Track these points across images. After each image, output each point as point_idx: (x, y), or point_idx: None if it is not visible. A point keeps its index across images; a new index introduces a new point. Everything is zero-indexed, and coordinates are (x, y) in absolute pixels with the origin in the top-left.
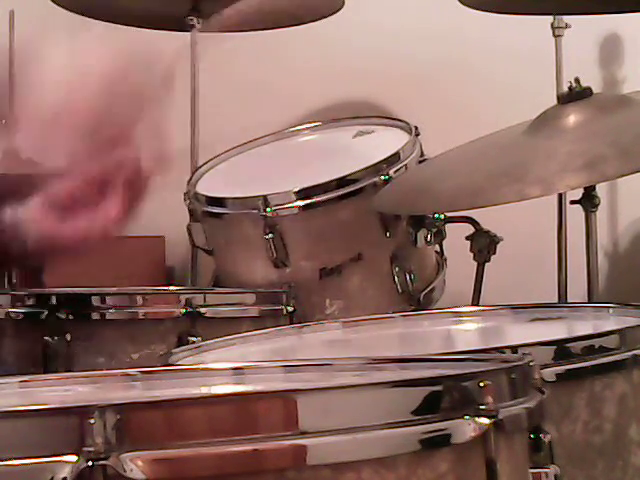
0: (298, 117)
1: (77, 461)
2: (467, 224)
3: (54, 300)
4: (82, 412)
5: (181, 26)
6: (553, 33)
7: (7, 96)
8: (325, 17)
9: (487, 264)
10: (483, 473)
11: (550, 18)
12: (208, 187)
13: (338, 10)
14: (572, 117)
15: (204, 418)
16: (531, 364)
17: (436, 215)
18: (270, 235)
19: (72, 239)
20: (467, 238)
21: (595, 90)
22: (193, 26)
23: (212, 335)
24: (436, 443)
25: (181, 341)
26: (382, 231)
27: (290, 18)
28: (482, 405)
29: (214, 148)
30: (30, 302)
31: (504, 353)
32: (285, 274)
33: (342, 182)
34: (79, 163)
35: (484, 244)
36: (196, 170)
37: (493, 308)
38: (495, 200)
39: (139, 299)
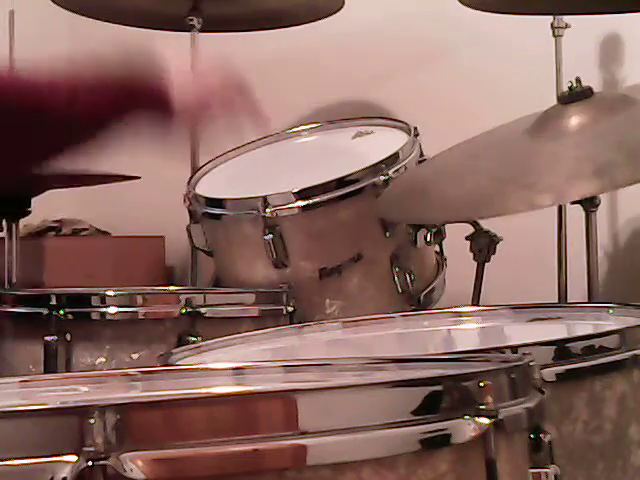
0: (297, 118)
1: (77, 461)
2: (467, 224)
3: (54, 300)
4: (82, 412)
5: (181, 26)
6: (553, 33)
7: None
8: (325, 17)
9: (487, 264)
10: (483, 473)
11: (550, 18)
12: (208, 188)
13: (338, 10)
14: (574, 118)
15: (204, 418)
16: (531, 364)
17: None
18: (270, 236)
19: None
20: (467, 238)
21: (595, 90)
22: (193, 26)
23: (212, 335)
24: (436, 443)
25: (181, 341)
26: (382, 231)
27: (290, 18)
28: (482, 405)
29: (214, 149)
30: (30, 302)
31: (504, 353)
32: (285, 274)
33: (342, 182)
34: None
35: (484, 244)
36: (196, 171)
37: (493, 308)
38: (505, 211)
39: (139, 299)
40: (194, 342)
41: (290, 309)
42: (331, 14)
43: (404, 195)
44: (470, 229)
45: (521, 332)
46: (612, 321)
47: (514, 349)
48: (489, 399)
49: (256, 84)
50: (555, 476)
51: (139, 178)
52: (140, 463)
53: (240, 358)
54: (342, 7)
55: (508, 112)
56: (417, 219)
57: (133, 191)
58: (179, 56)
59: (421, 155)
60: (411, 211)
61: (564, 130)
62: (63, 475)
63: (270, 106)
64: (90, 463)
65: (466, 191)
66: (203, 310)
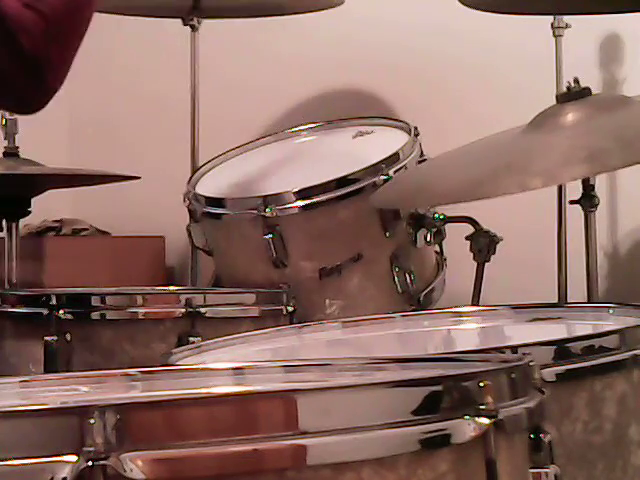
0: (298, 115)
1: (77, 461)
2: (467, 224)
3: (54, 300)
4: (82, 412)
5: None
6: (553, 33)
7: None
8: (326, 9)
9: (487, 264)
10: (483, 473)
11: (550, 18)
12: (208, 188)
13: (339, 5)
14: (571, 115)
15: (204, 418)
16: (531, 364)
17: (436, 215)
18: (270, 235)
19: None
20: (467, 238)
21: (595, 90)
22: (193, 26)
23: (212, 335)
24: (436, 443)
25: (181, 341)
26: (382, 231)
27: (289, 12)
28: (482, 405)
29: (214, 148)
30: (30, 302)
31: (504, 353)
32: (285, 274)
33: (342, 182)
34: None
35: (484, 244)
36: (196, 171)
37: (493, 308)
38: (496, 192)
39: (139, 299)
40: (194, 342)
41: (290, 309)
42: (332, 6)
43: (398, 186)
44: (470, 229)
45: (521, 332)
46: (612, 321)
47: (514, 349)
48: (489, 399)
49: (256, 84)
50: (555, 476)
51: (139, 178)
52: (140, 463)
53: (240, 358)
54: (342, 3)
55: (508, 112)
56: (410, 205)
57: (133, 191)
58: None
59: (421, 155)
60: (404, 199)
61: (560, 125)
62: (63, 475)
63: (270, 106)
64: (90, 463)
65: (460, 177)
66: (203, 310)
